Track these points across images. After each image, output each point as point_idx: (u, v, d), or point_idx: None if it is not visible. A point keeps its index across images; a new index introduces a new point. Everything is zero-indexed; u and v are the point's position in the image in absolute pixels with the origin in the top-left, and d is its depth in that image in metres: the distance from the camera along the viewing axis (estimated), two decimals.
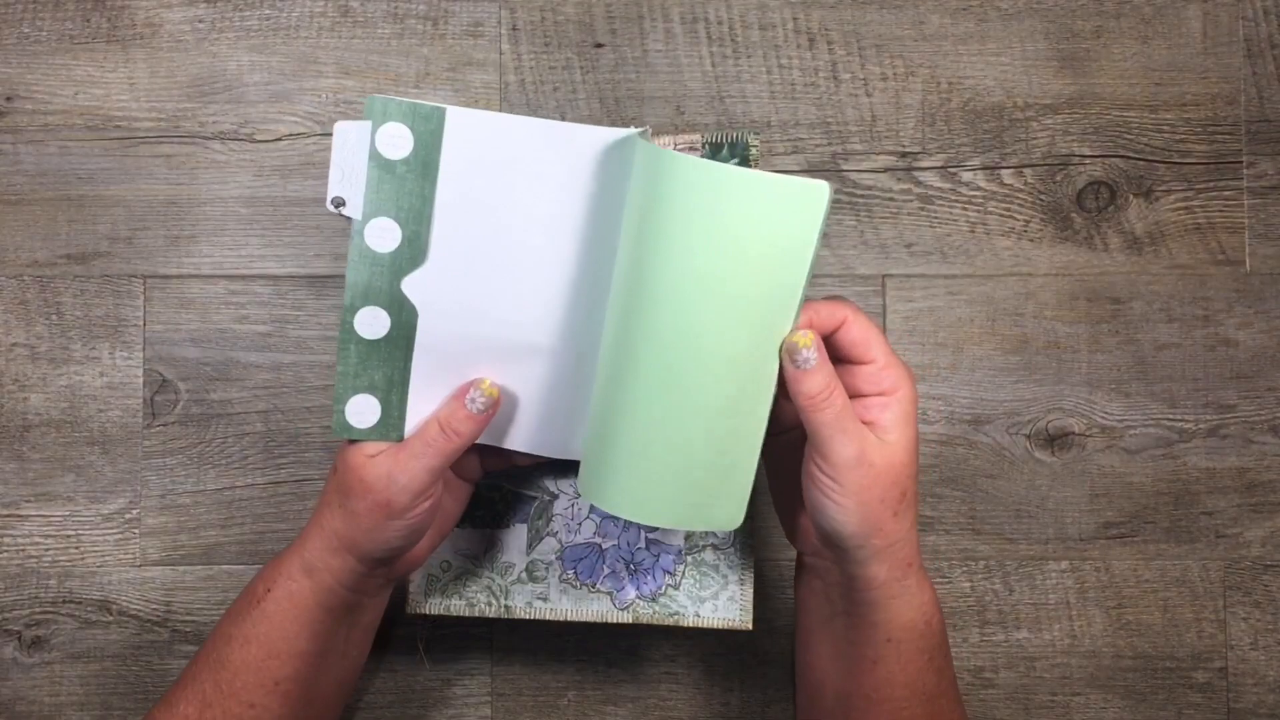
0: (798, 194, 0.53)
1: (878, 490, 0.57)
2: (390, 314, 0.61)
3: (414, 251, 0.60)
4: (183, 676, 0.64)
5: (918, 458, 0.59)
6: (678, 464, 0.57)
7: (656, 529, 0.68)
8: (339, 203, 0.60)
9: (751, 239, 0.53)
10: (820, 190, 0.52)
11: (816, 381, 0.56)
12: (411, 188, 0.59)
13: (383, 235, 0.60)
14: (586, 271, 0.61)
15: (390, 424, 0.62)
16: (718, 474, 0.58)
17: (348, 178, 0.60)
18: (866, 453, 0.56)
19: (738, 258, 0.54)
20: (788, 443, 0.61)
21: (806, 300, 0.56)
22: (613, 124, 0.76)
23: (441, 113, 0.59)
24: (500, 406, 0.63)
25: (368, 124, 0.59)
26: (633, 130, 0.58)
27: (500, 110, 0.76)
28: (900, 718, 0.60)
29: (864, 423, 0.57)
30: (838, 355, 0.58)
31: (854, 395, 0.58)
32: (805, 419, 0.57)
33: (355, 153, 0.59)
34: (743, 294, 0.55)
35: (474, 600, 0.68)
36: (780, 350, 0.56)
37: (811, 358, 0.56)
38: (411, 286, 0.61)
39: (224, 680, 0.62)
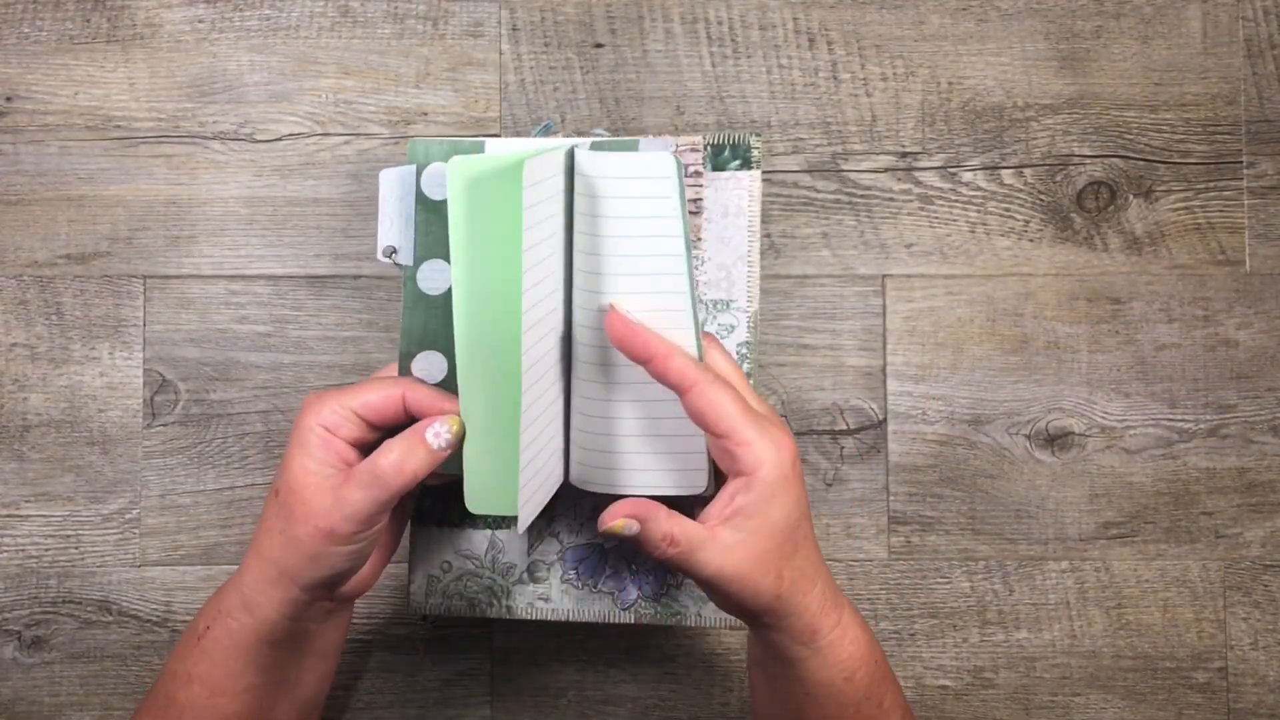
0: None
1: (749, 588, 0.57)
2: (447, 357, 0.60)
3: None
4: (137, 710, 0.63)
5: (801, 522, 0.58)
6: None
7: None
8: (391, 252, 0.59)
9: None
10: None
11: (648, 542, 0.57)
12: None
13: (435, 278, 0.60)
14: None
15: (452, 460, 0.60)
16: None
17: (396, 225, 0.59)
18: (725, 565, 0.56)
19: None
20: None
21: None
22: (611, 124, 0.76)
23: (481, 146, 0.58)
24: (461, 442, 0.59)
25: (411, 168, 0.58)
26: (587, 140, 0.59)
27: (500, 108, 0.76)
28: None
29: (731, 511, 0.57)
30: (694, 421, 0.58)
31: (729, 473, 0.57)
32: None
33: (402, 199, 0.59)
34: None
35: (475, 600, 0.68)
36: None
37: (631, 528, 0.57)
38: None
39: (171, 716, 0.61)
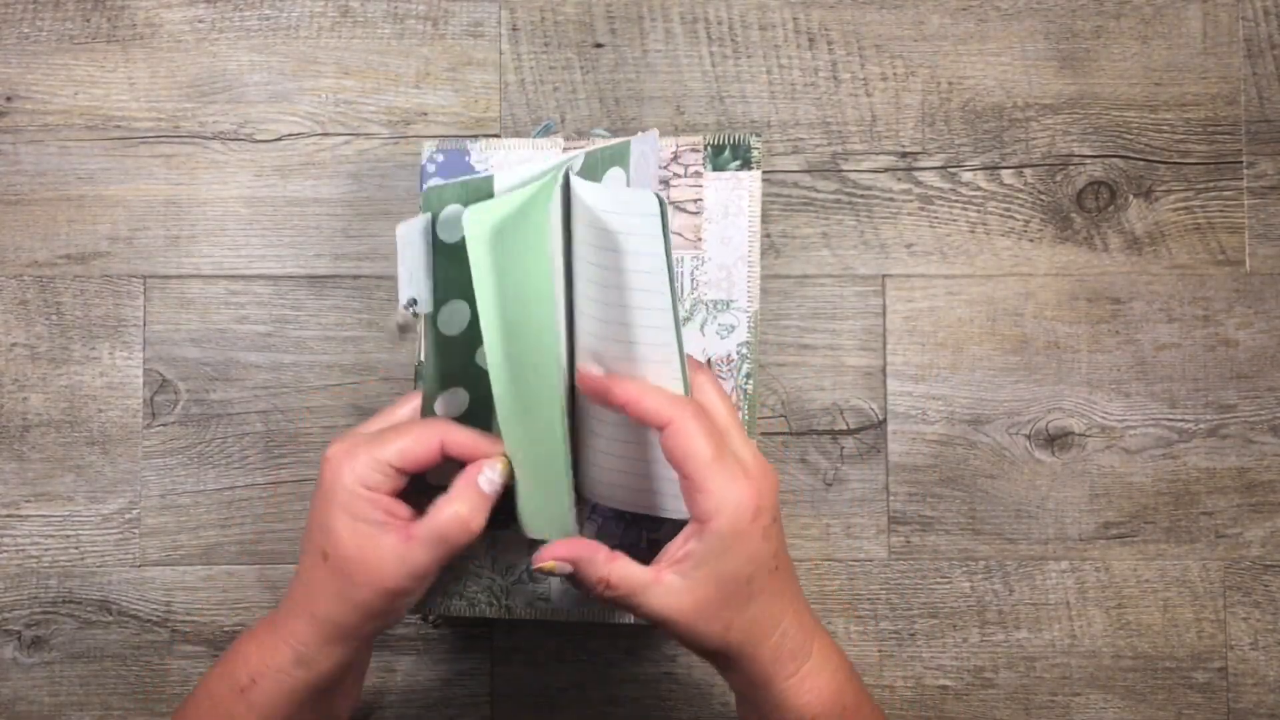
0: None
1: (695, 633, 0.57)
2: (469, 389, 0.60)
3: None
4: None
5: (758, 575, 0.57)
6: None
7: (660, 529, 0.68)
8: (411, 303, 0.59)
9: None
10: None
11: (584, 584, 0.58)
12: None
13: (453, 318, 0.60)
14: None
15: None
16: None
17: (415, 276, 0.58)
18: (667, 611, 0.56)
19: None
20: None
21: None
22: (611, 124, 0.76)
23: (490, 180, 0.58)
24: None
25: (427, 217, 0.57)
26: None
27: (500, 108, 0.76)
28: None
29: (681, 555, 0.56)
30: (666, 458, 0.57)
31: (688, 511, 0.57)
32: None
33: (420, 249, 0.58)
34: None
35: (475, 600, 0.68)
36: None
37: (563, 569, 0.58)
38: (482, 357, 0.60)
39: None
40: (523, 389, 0.57)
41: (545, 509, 0.60)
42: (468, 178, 0.58)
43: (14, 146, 0.76)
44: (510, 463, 0.59)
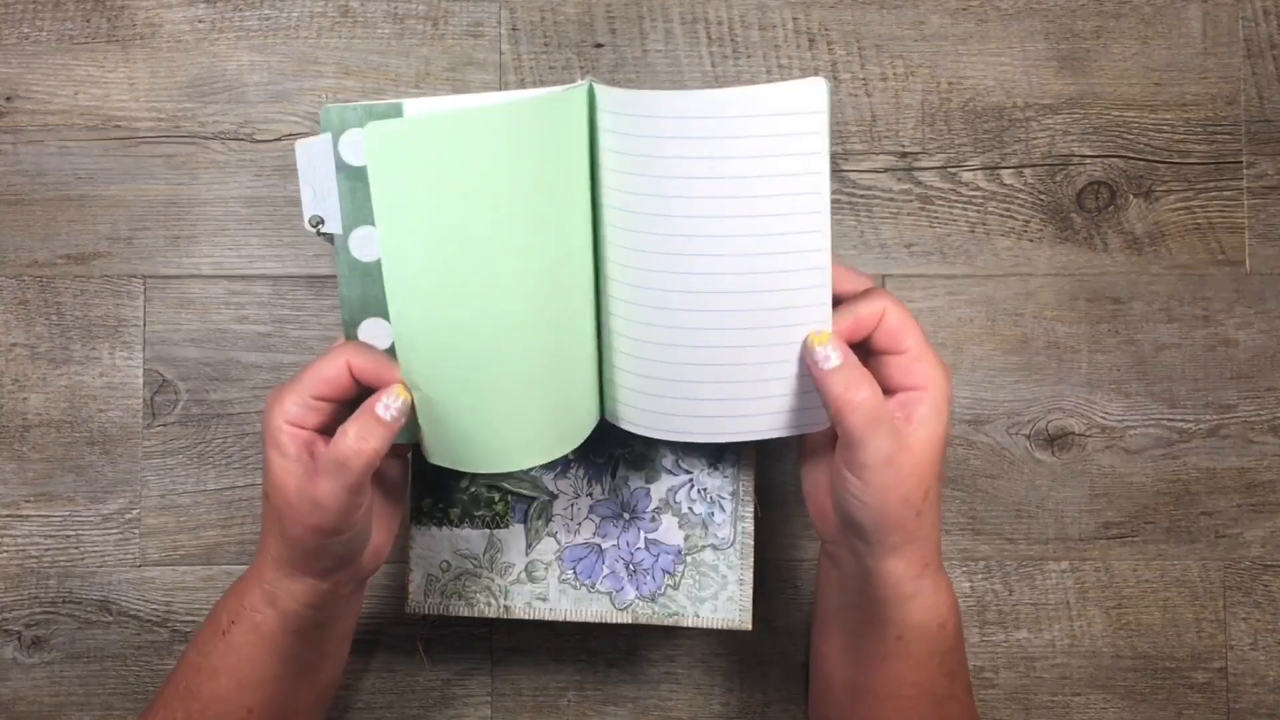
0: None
1: (902, 490, 0.57)
2: (390, 322, 0.60)
3: None
4: (154, 701, 0.64)
5: (944, 454, 0.59)
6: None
7: (657, 529, 0.68)
8: (317, 221, 0.59)
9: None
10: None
11: (838, 381, 0.56)
12: None
13: (366, 244, 0.59)
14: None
15: (409, 428, 0.60)
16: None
17: (319, 195, 0.58)
18: (893, 455, 0.56)
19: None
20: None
21: (847, 301, 0.59)
22: None
23: (399, 108, 0.58)
24: (412, 409, 0.60)
25: (327, 136, 0.57)
26: (578, 84, 0.58)
27: None
28: (906, 718, 0.60)
29: (900, 416, 0.57)
30: (872, 346, 0.59)
31: (885, 388, 0.58)
32: (832, 417, 0.57)
33: (322, 168, 0.58)
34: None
35: (473, 600, 0.68)
36: (802, 346, 0.58)
37: (831, 355, 0.57)
38: None
39: (195, 710, 0.62)
40: (421, 317, 0.58)
41: (449, 435, 0.61)
42: (371, 103, 0.58)
43: (14, 146, 0.76)
44: (409, 390, 0.59)
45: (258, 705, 0.62)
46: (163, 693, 0.64)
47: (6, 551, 0.75)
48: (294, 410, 0.58)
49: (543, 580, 0.68)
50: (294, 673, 0.63)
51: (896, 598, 0.59)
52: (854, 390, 0.56)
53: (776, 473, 0.75)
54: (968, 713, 0.62)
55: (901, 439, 0.57)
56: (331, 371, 0.59)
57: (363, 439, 0.57)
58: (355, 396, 0.59)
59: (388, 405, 0.58)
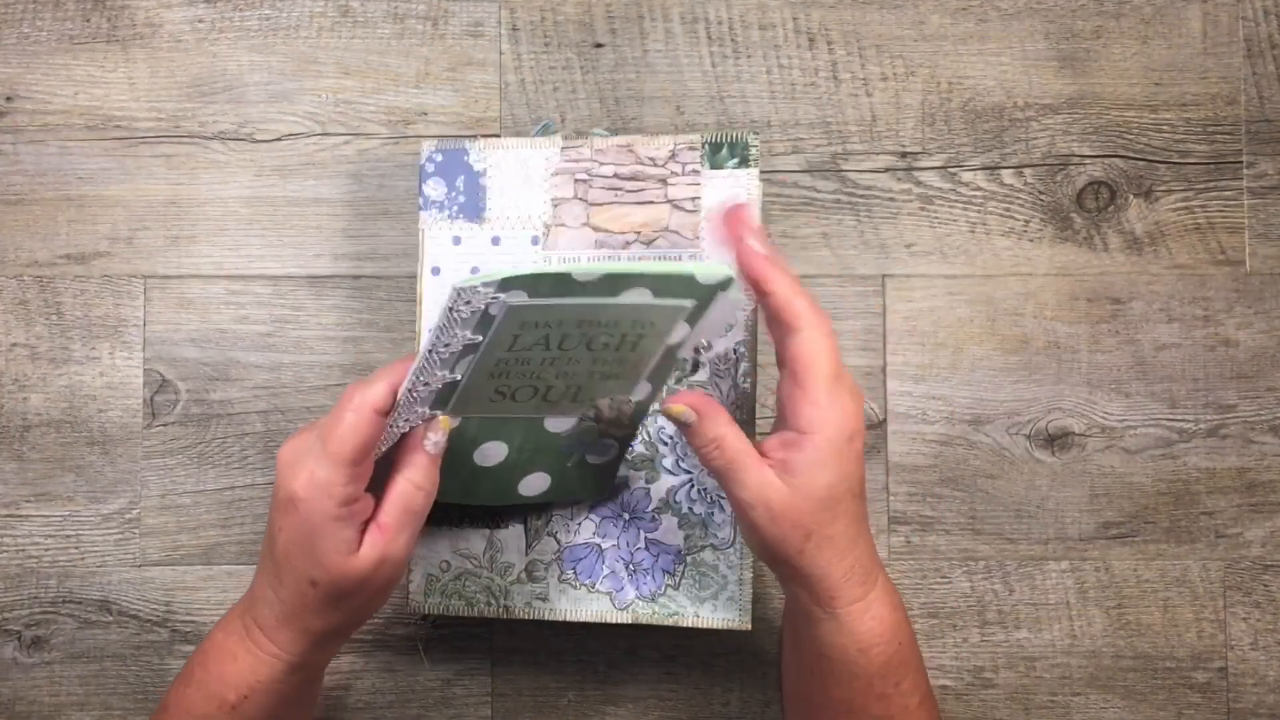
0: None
1: (776, 531, 0.58)
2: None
3: None
4: None
5: (845, 496, 0.58)
6: None
7: (657, 529, 0.68)
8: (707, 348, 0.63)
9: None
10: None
11: (699, 437, 0.59)
12: None
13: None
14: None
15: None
16: None
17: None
18: (761, 496, 0.57)
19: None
20: None
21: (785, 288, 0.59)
22: (611, 124, 0.76)
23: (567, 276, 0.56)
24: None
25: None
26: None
27: (500, 108, 0.76)
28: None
29: (778, 459, 0.57)
30: (781, 365, 0.59)
31: (784, 415, 0.58)
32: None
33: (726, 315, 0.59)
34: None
35: (473, 600, 0.68)
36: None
37: (688, 416, 0.59)
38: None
39: None
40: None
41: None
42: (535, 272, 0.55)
43: (14, 146, 0.76)
44: (448, 419, 0.59)
45: None
46: None
47: (6, 551, 0.75)
48: (345, 491, 0.57)
49: (543, 580, 0.68)
50: (306, 714, 0.65)
51: (810, 620, 0.60)
52: (713, 444, 0.59)
53: None
54: None
55: (770, 485, 0.57)
56: (365, 426, 0.57)
57: (420, 483, 0.58)
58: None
59: (436, 442, 0.59)
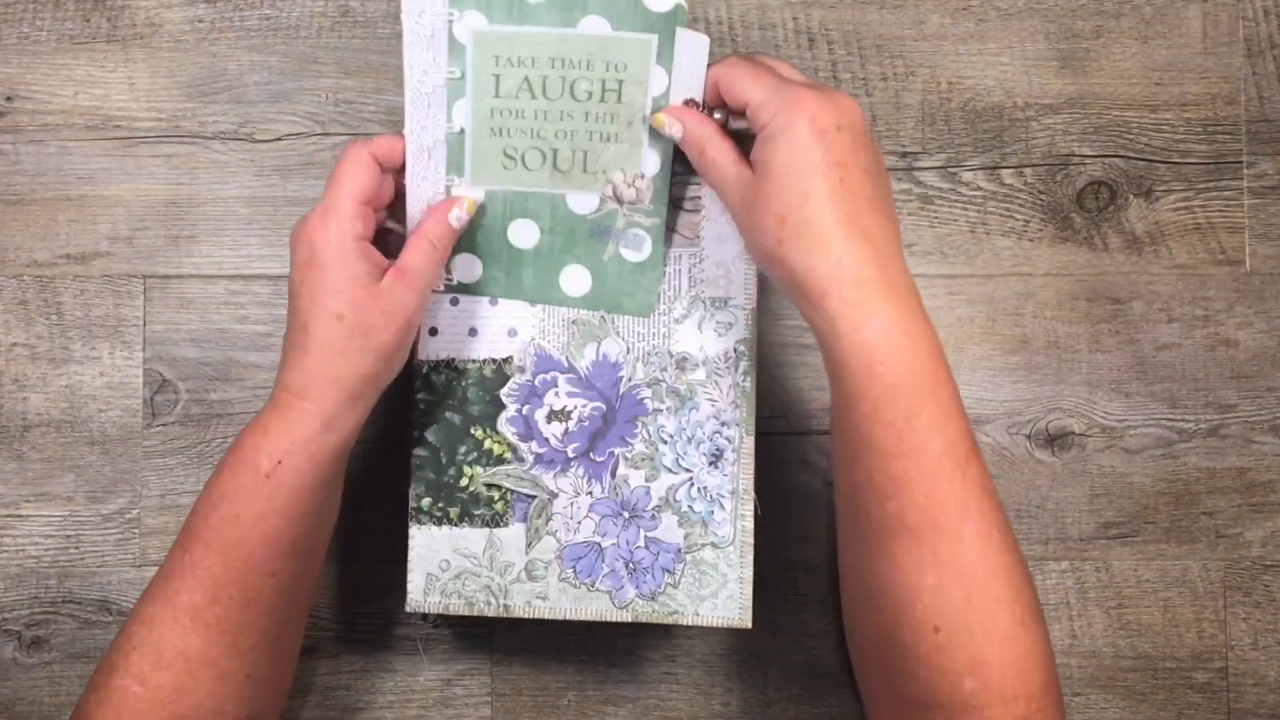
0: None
1: (753, 222, 0.59)
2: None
3: None
4: (173, 569, 0.61)
5: (812, 177, 0.57)
6: None
7: (657, 527, 0.68)
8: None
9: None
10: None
11: (682, 135, 0.63)
12: None
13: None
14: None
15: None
16: None
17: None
18: (731, 186, 0.61)
19: None
20: None
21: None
22: None
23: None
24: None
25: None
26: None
27: None
28: (855, 467, 0.59)
29: (750, 161, 0.60)
30: (734, 112, 0.63)
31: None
32: None
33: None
34: None
35: (473, 599, 0.68)
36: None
37: (673, 128, 0.63)
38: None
39: (238, 558, 0.60)
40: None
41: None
42: None
43: (14, 146, 0.76)
44: (473, 203, 0.66)
45: (300, 538, 0.62)
46: (183, 558, 0.61)
47: (6, 551, 0.76)
48: (355, 225, 0.61)
49: (542, 579, 0.68)
50: (333, 502, 0.65)
51: (818, 331, 0.58)
52: (693, 150, 0.63)
53: (776, 471, 0.75)
54: (926, 478, 0.57)
55: (739, 175, 0.61)
56: (364, 172, 0.62)
57: (436, 242, 0.64)
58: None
59: (459, 216, 0.65)
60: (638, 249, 0.67)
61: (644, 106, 0.65)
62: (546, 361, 0.68)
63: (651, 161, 0.66)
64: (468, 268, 0.68)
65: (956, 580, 0.57)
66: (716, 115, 0.64)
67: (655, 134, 0.65)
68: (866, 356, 0.56)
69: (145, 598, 0.62)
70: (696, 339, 0.68)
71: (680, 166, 0.67)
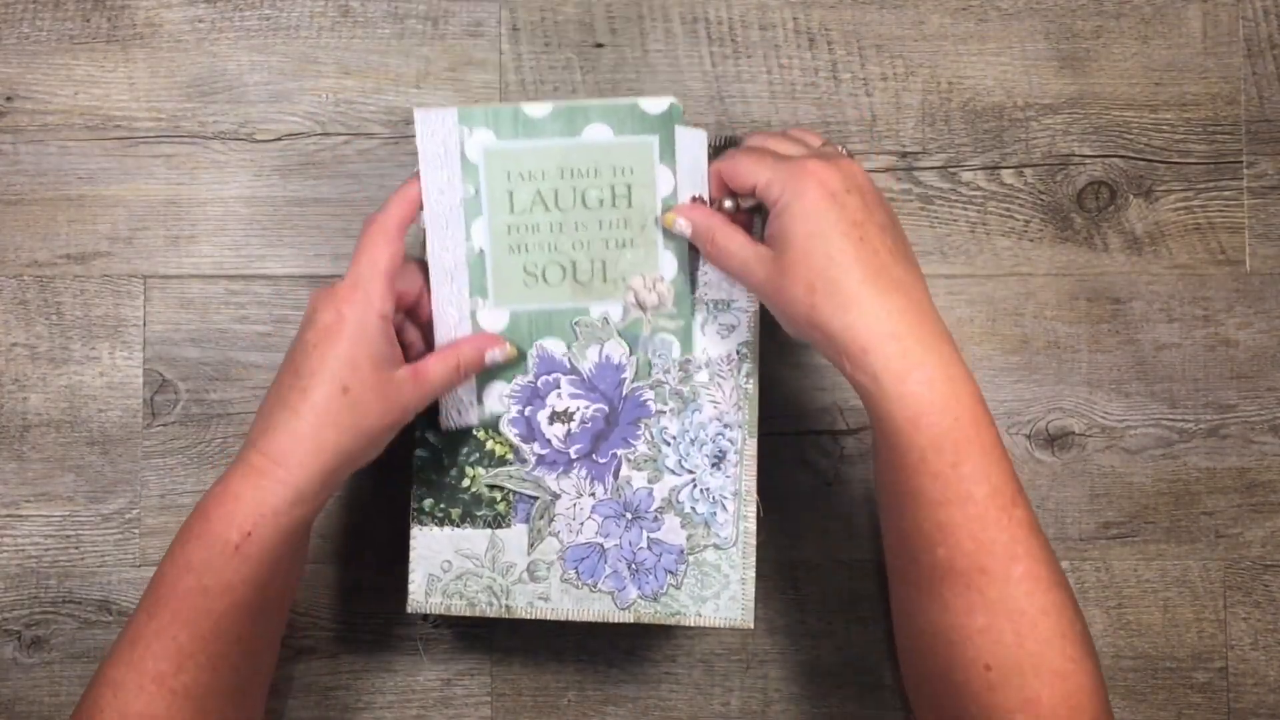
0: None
1: (782, 295, 0.60)
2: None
3: None
4: (139, 634, 0.61)
5: (834, 237, 0.59)
6: None
7: (660, 528, 0.68)
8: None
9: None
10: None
11: (699, 242, 0.65)
12: None
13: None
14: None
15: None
16: None
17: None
18: (752, 266, 0.62)
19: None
20: None
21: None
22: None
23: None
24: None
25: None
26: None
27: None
28: (904, 515, 0.60)
29: (767, 239, 0.62)
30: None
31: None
32: None
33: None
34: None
35: (474, 600, 0.68)
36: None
37: (682, 226, 0.65)
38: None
39: (205, 628, 0.60)
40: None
41: None
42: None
43: (14, 146, 0.76)
44: (514, 349, 0.67)
45: (269, 602, 0.62)
46: (146, 626, 0.61)
47: (6, 551, 0.75)
48: (386, 307, 0.62)
49: (545, 580, 0.68)
50: (299, 564, 0.65)
51: (861, 389, 0.59)
52: (703, 241, 0.64)
53: (778, 473, 0.75)
54: (973, 524, 0.58)
55: (753, 254, 0.62)
56: (392, 247, 0.62)
57: (467, 370, 0.65)
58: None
59: (495, 358, 0.66)
60: (666, 354, 0.68)
61: (654, 208, 0.66)
62: (549, 363, 0.68)
63: (669, 263, 0.67)
64: (498, 396, 0.68)
65: (1006, 621, 0.58)
66: (727, 204, 0.65)
67: (669, 235, 0.66)
68: (913, 409, 0.57)
69: (112, 659, 0.61)
70: (699, 341, 0.68)
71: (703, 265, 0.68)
